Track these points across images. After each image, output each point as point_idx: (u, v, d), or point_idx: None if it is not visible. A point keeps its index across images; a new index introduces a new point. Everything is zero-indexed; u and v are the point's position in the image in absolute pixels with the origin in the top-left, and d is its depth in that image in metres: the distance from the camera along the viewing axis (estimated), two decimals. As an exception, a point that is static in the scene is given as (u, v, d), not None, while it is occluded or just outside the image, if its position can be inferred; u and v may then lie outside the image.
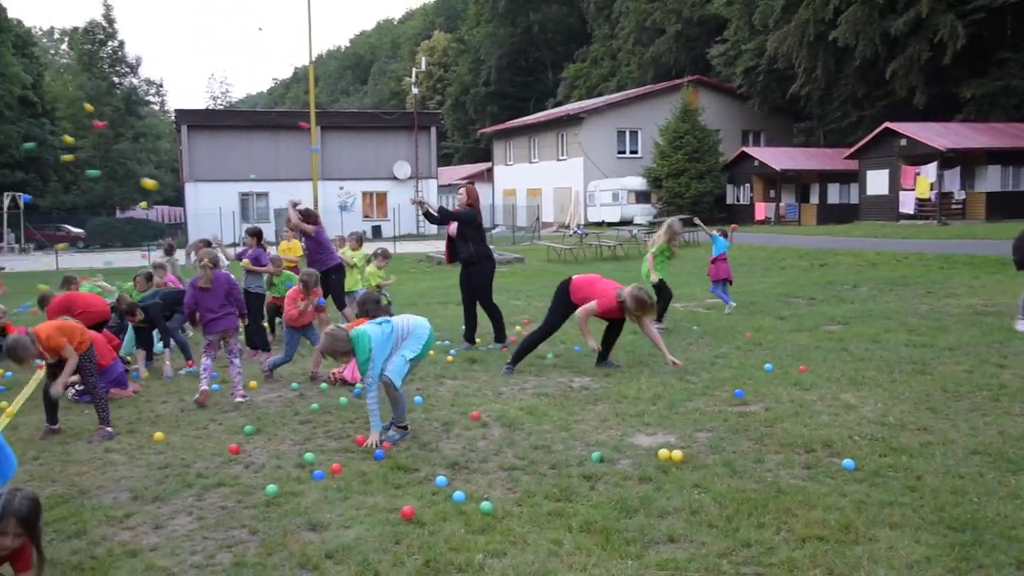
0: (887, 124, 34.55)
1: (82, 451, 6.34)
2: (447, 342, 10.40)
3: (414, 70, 59.04)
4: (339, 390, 8.19)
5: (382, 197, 45.46)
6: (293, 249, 12.21)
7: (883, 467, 5.25)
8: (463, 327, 10.53)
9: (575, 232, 32.36)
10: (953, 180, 33.28)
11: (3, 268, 13.21)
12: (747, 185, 41.93)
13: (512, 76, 73.84)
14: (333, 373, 8.57)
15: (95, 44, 63.79)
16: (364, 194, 45.24)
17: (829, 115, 42.73)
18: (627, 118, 46.25)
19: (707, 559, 4.06)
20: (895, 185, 34.75)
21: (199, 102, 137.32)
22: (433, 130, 46.95)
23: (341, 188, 44.08)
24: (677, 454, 5.53)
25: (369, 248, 13.08)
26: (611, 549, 4.21)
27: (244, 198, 42.78)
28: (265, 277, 10.79)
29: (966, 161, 33.08)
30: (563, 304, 8.75)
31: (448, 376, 8.60)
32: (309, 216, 10.98)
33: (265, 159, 42.73)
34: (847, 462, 5.28)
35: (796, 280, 17.33)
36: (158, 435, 6.56)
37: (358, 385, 7.98)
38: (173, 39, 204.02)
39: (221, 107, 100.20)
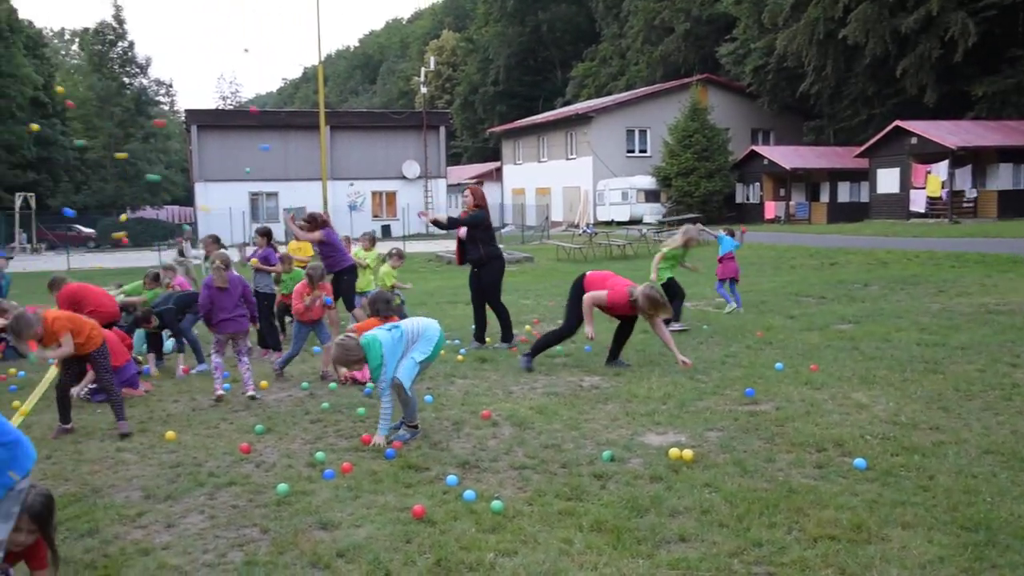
0: (897, 122, 34.40)
1: (94, 450, 6.37)
2: (457, 341, 10.41)
3: (423, 70, 59.06)
4: (351, 391, 8.20)
5: (391, 197, 45.51)
6: (304, 249, 12.19)
7: (895, 466, 5.23)
8: (473, 327, 10.54)
9: (584, 231, 32.33)
10: (964, 178, 33.12)
11: (12, 257, 13.25)
12: (757, 184, 41.82)
13: (521, 75, 73.80)
14: (344, 374, 8.58)
15: (105, 45, 63.96)
16: (373, 194, 45.29)
17: (839, 113, 42.58)
18: (636, 117, 46.18)
19: (718, 558, 4.05)
20: (906, 183, 34.61)
21: (209, 102, 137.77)
22: (442, 129, 46.96)
23: (351, 185, 44.12)
24: (688, 453, 5.52)
25: (383, 248, 13.07)
26: (622, 548, 4.20)
27: (254, 198, 42.88)
28: (273, 276, 10.79)
29: (977, 159, 32.93)
30: (579, 301, 8.75)
31: (458, 375, 8.60)
32: (315, 221, 10.82)
33: (274, 159, 42.78)
34: (859, 461, 5.26)
35: (806, 279, 17.28)
36: (170, 434, 6.59)
37: (368, 385, 7.99)
38: (183, 40, 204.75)
39: (231, 107, 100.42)
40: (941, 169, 32.70)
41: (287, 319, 11.34)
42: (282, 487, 5.20)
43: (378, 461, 5.77)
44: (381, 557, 4.19)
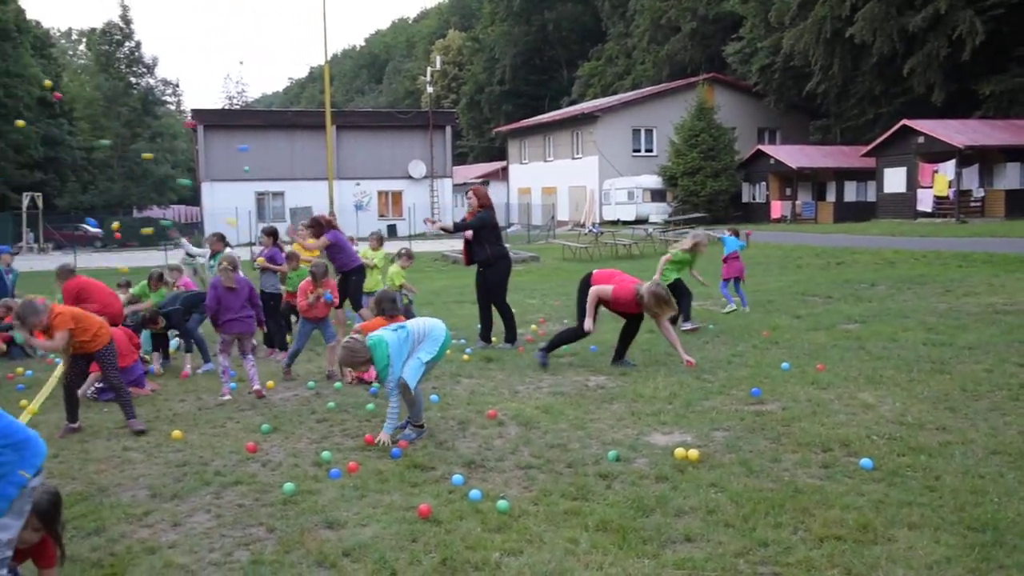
0: (905, 121, 34.32)
1: (101, 449, 6.39)
2: (463, 341, 10.41)
3: (429, 69, 59.07)
4: (356, 390, 8.21)
5: (397, 196, 45.53)
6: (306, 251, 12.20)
7: (901, 467, 5.22)
8: (479, 326, 10.54)
9: (590, 231, 32.32)
10: (972, 177, 33.03)
11: (17, 252, 13.30)
12: (763, 183, 41.75)
13: (527, 75, 73.82)
14: (349, 372, 8.58)
15: (112, 45, 64.17)
16: (379, 193, 45.32)
17: (846, 113, 42.49)
18: (642, 116, 46.15)
19: (724, 558, 4.05)
20: (913, 183, 34.53)
21: (215, 102, 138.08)
22: (448, 129, 46.98)
23: (357, 185, 44.16)
24: (693, 453, 5.51)
25: (391, 247, 13.05)
26: (627, 548, 4.20)
27: (260, 197, 42.94)
28: (279, 275, 10.78)
29: (985, 158, 32.82)
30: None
31: (464, 375, 8.60)
32: (318, 225, 10.71)
33: (281, 158, 42.87)
34: (865, 461, 5.25)
35: (813, 278, 17.25)
36: (176, 433, 6.61)
37: (374, 384, 8.00)
38: (189, 40, 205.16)
39: (237, 107, 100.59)
40: (948, 168, 32.61)
41: (293, 318, 11.34)
42: (288, 486, 5.21)
43: (384, 460, 5.78)
44: (387, 556, 4.19)
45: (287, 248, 11.45)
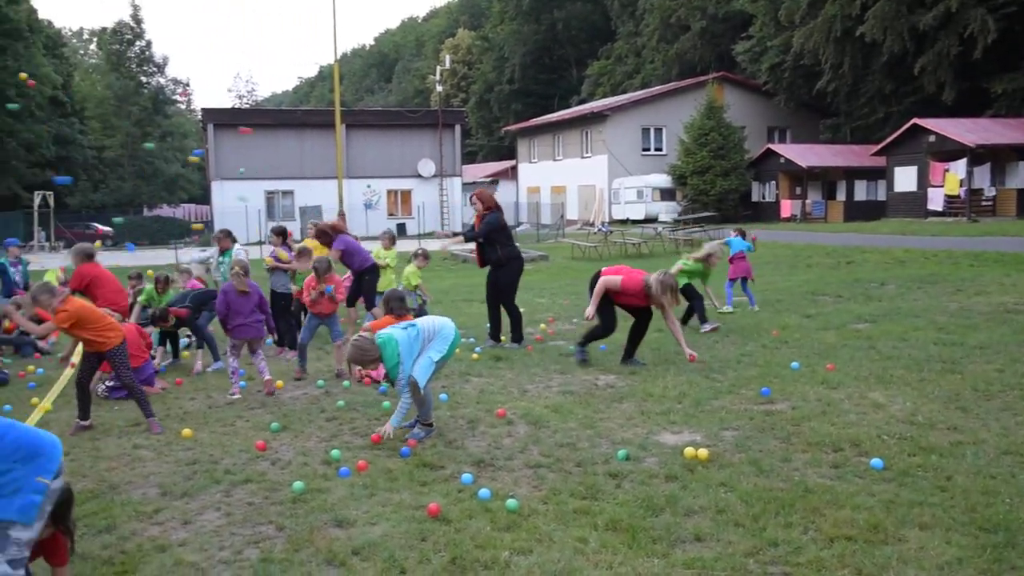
0: (915, 120, 34.17)
1: (112, 447, 6.42)
2: (472, 340, 10.42)
3: (438, 68, 59.12)
4: (366, 388, 8.21)
5: (407, 195, 45.57)
6: (319, 248, 12.19)
7: (912, 467, 5.20)
8: (488, 325, 10.54)
9: (599, 230, 32.28)
10: (983, 176, 32.86)
11: (24, 245, 13.34)
12: (773, 182, 41.63)
13: (536, 74, 73.78)
14: (359, 371, 8.58)
15: (123, 44, 64.36)
16: (389, 192, 45.37)
17: (856, 111, 42.33)
18: (652, 115, 46.07)
19: (734, 558, 4.04)
20: (923, 182, 34.38)
21: (225, 101, 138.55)
22: (457, 128, 46.98)
23: (368, 187, 44.23)
24: (703, 452, 5.50)
25: (402, 247, 13.04)
26: (637, 547, 4.19)
27: (270, 196, 43.05)
28: (289, 273, 10.78)
29: (996, 157, 32.65)
30: (603, 297, 8.77)
31: (473, 374, 8.61)
32: (325, 235, 10.61)
33: (290, 157, 42.94)
34: (875, 461, 5.23)
35: (823, 278, 17.20)
36: (186, 431, 6.63)
37: (383, 383, 8.01)
38: (199, 39, 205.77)
39: (247, 106, 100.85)
40: (959, 167, 32.47)
41: (304, 315, 11.35)
42: (298, 485, 5.22)
43: (393, 459, 5.79)
44: (396, 555, 4.20)
45: (295, 246, 11.45)
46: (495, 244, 10.14)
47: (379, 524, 4.64)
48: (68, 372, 7.61)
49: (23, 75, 19.09)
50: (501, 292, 10.24)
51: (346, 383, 8.38)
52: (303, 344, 8.99)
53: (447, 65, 63.11)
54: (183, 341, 10.42)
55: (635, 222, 40.17)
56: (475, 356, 9.42)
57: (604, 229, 31.42)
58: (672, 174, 41.92)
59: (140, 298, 10.28)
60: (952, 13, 33.21)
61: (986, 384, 7.23)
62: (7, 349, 11.06)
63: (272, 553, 4.32)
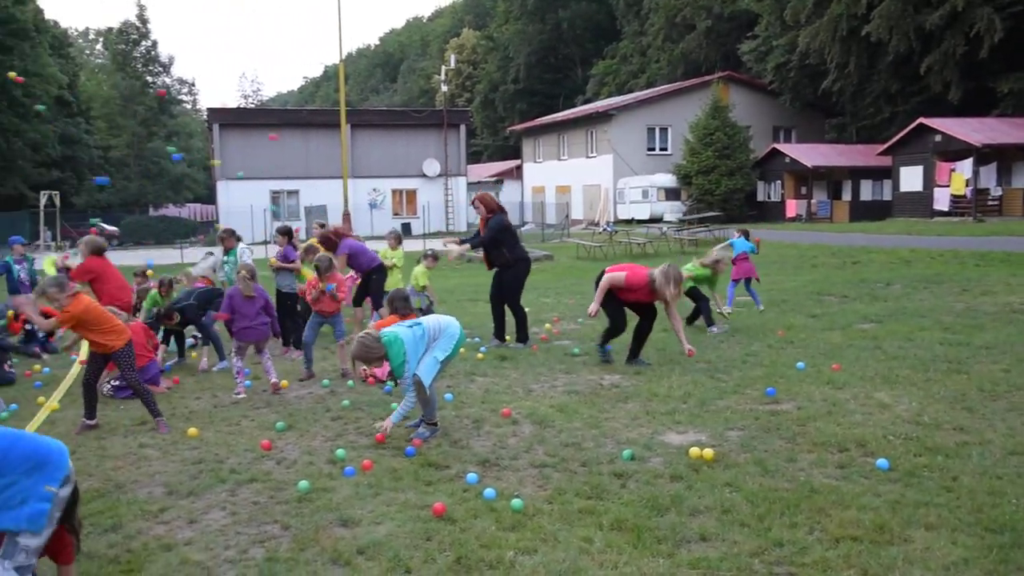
0: (921, 120, 34.08)
1: (118, 446, 6.43)
2: (477, 339, 10.42)
3: (443, 68, 59.10)
4: (371, 388, 8.22)
5: (412, 195, 45.57)
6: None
7: (918, 467, 5.19)
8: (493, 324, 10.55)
9: (604, 229, 32.26)
10: (989, 176, 32.78)
11: (28, 243, 13.40)
12: (778, 182, 41.56)
13: (541, 73, 73.75)
14: (364, 370, 8.59)
15: (129, 44, 64.49)
16: (394, 192, 45.39)
17: (862, 111, 42.24)
18: (657, 115, 46.02)
19: (739, 558, 4.03)
20: (929, 181, 34.30)
21: (230, 101, 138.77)
22: (462, 128, 46.97)
23: (375, 190, 44.27)
24: (708, 452, 5.50)
25: (408, 246, 13.03)
26: (642, 547, 4.19)
27: (275, 196, 43.09)
28: (295, 273, 10.79)
29: (1002, 157, 32.57)
30: (607, 293, 8.77)
31: (479, 373, 8.61)
32: (329, 241, 10.62)
33: (295, 157, 42.97)
34: (881, 462, 5.22)
35: (828, 278, 17.17)
36: (192, 431, 6.64)
37: (388, 383, 8.01)
38: (205, 38, 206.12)
39: (252, 106, 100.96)
40: (965, 167, 32.39)
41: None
42: (303, 484, 5.23)
43: (398, 459, 5.79)
44: (401, 554, 4.20)
45: (301, 245, 11.45)
46: (501, 246, 10.14)
47: (384, 523, 4.64)
48: (75, 371, 7.62)
49: (11, 74, 19.14)
50: (507, 292, 10.23)
51: (350, 383, 8.39)
52: (307, 343, 8.98)
53: (452, 65, 63.11)
54: (188, 341, 10.43)
55: (640, 222, 40.14)
56: (480, 356, 9.42)
57: (609, 229, 31.41)
58: (677, 174, 41.88)
59: (144, 303, 10.28)
60: (958, 12, 33.12)
61: (992, 384, 7.21)
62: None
63: (277, 552, 4.33)
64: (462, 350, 8.18)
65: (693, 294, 10.74)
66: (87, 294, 7.33)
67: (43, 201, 43.00)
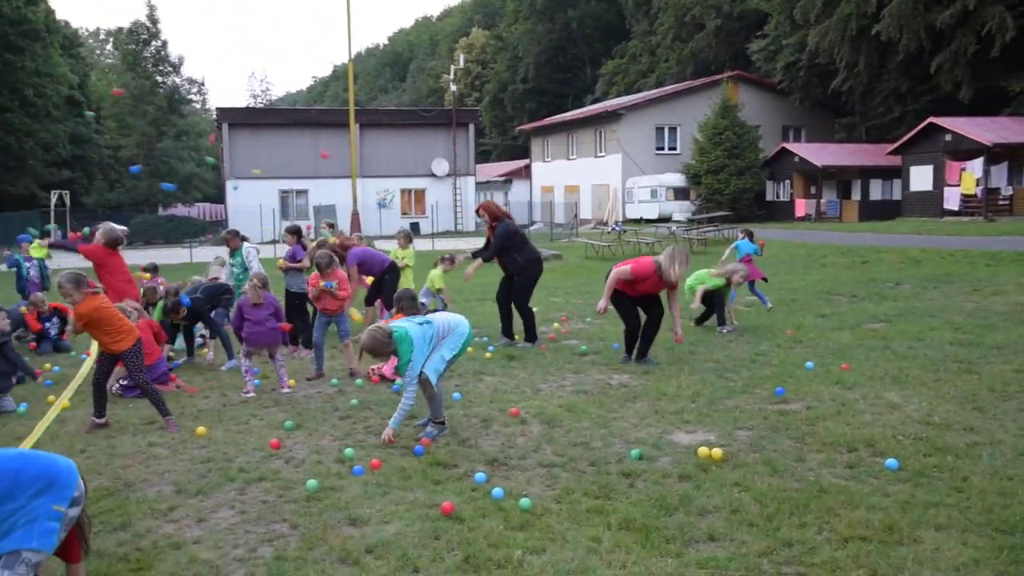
0: (932, 119, 33.92)
1: (127, 445, 6.45)
2: (485, 339, 10.42)
3: (452, 67, 59.12)
4: (379, 387, 8.23)
5: (420, 194, 45.61)
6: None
7: (928, 467, 5.17)
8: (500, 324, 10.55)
9: (613, 229, 32.21)
10: (1000, 175, 32.63)
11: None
12: (787, 181, 41.45)
13: (550, 73, 73.71)
14: (373, 369, 8.61)
15: (139, 44, 64.64)
16: (402, 191, 45.44)
17: (871, 110, 42.06)
18: (666, 114, 45.95)
19: (748, 558, 4.03)
20: (939, 181, 34.14)
21: (239, 100, 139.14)
22: (471, 127, 46.97)
23: (385, 190, 44.32)
24: (717, 452, 5.49)
25: (418, 245, 13.02)
26: (650, 547, 4.19)
27: (284, 195, 43.18)
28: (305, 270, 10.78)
29: (1014, 156, 32.40)
30: (618, 295, 8.77)
31: (487, 373, 8.61)
32: (335, 253, 10.61)
33: (305, 157, 43.05)
34: (891, 462, 5.21)
35: (837, 277, 17.12)
36: (200, 430, 6.66)
37: (397, 382, 8.02)
38: (214, 38, 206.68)
39: (261, 105, 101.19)
40: (976, 166, 32.23)
41: None
42: (311, 483, 5.23)
43: (407, 458, 5.80)
44: (409, 553, 4.21)
45: (310, 244, 11.47)
46: (512, 251, 10.16)
47: (392, 522, 4.65)
48: (85, 369, 7.64)
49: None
50: (516, 294, 10.24)
51: (359, 382, 8.40)
52: (317, 343, 8.99)
53: (461, 64, 63.12)
54: (198, 341, 10.45)
55: (649, 221, 40.09)
56: (488, 355, 9.42)
57: (618, 228, 31.34)
58: (686, 173, 41.80)
59: (154, 315, 10.28)
60: (969, 11, 32.94)
61: (1003, 385, 7.18)
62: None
63: (286, 551, 4.33)
64: (470, 349, 8.17)
65: (707, 297, 10.74)
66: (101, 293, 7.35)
67: (53, 200, 43.19)
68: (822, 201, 39.72)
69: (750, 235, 13.00)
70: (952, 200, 33.29)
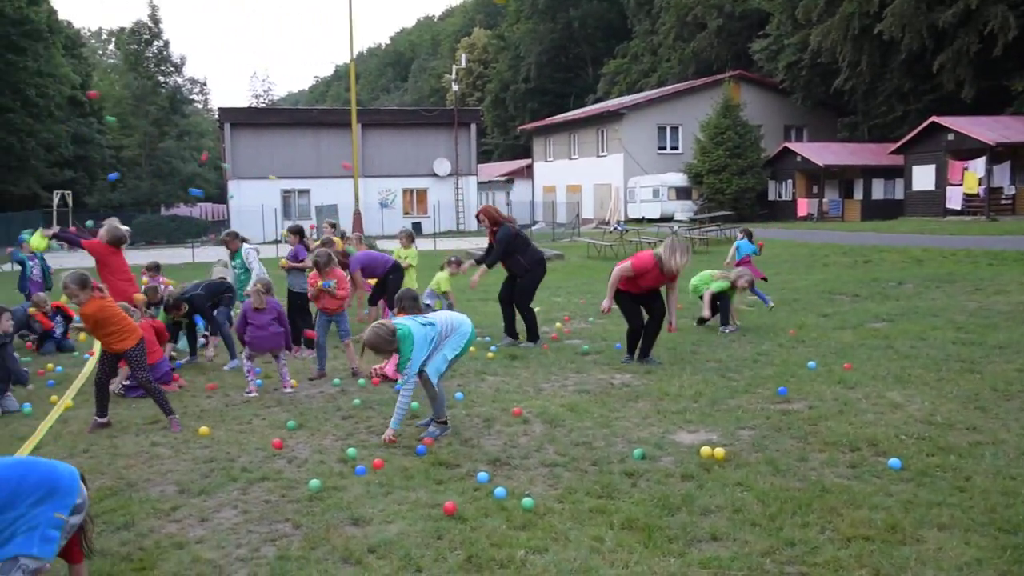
0: (934, 118, 33.90)
1: (130, 445, 6.46)
2: (488, 339, 10.42)
3: (454, 67, 59.12)
4: (382, 387, 8.23)
5: (422, 194, 45.62)
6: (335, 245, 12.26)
7: (931, 467, 5.17)
8: (503, 324, 10.56)
9: (615, 228, 32.21)
10: (1003, 175, 32.60)
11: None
12: (789, 181, 41.45)
13: (552, 72, 73.72)
14: (375, 369, 8.60)
15: (141, 44, 64.72)
16: (404, 191, 45.45)
17: (874, 110, 42.05)
18: (668, 114, 45.95)
19: (750, 558, 4.02)
20: (942, 180, 34.13)
21: (241, 100, 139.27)
22: (473, 127, 46.97)
23: (388, 190, 44.34)
24: (719, 452, 5.49)
25: (419, 244, 13.03)
26: (653, 547, 4.19)
27: (286, 195, 43.19)
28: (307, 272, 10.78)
29: (1016, 155, 32.39)
30: (621, 294, 8.77)
31: (489, 372, 8.61)
32: (338, 262, 10.65)
33: (307, 156, 43.07)
34: (893, 461, 5.20)
35: (840, 277, 17.10)
36: (203, 429, 6.66)
37: (399, 381, 8.01)
38: (216, 38, 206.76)
39: (263, 105, 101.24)
40: (979, 165, 32.21)
41: None
42: (314, 483, 5.24)
43: (409, 458, 5.80)
44: (412, 553, 4.21)
45: (312, 244, 11.48)
46: (515, 254, 10.17)
47: (395, 522, 4.65)
48: (87, 369, 7.65)
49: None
50: (519, 295, 10.25)
51: (361, 381, 8.40)
52: (320, 343, 8.99)
53: (463, 64, 63.09)
54: (200, 341, 10.45)
55: (651, 221, 40.09)
56: (491, 355, 9.42)
57: (620, 228, 31.34)
58: (688, 173, 41.81)
59: (158, 316, 10.29)
60: (972, 10, 32.93)
61: (1006, 384, 7.17)
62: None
63: (289, 551, 4.34)
64: (472, 348, 8.17)
65: (712, 297, 10.77)
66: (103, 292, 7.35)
67: (56, 200, 43.24)
68: (824, 201, 39.72)
69: (749, 235, 13.02)
70: (954, 199, 33.27)
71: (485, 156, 70.87)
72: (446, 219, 44.27)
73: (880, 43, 37.24)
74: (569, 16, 71.15)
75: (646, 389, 7.59)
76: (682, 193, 42.12)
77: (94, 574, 4.09)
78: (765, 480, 5.05)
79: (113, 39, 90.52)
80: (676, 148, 45.76)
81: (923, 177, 35.38)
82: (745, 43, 50.04)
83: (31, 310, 11.11)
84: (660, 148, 45.91)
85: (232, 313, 10.45)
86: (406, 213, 44.90)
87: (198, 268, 21.19)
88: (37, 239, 9.66)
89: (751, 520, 4.46)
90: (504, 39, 79.23)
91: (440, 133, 45.90)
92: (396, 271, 11.21)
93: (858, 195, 39.66)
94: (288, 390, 8.10)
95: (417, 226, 42.39)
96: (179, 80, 69.51)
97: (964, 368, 7.88)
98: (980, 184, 32.19)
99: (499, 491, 4.95)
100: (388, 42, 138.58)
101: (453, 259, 11.72)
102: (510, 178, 57.49)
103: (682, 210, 40.86)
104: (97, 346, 7.29)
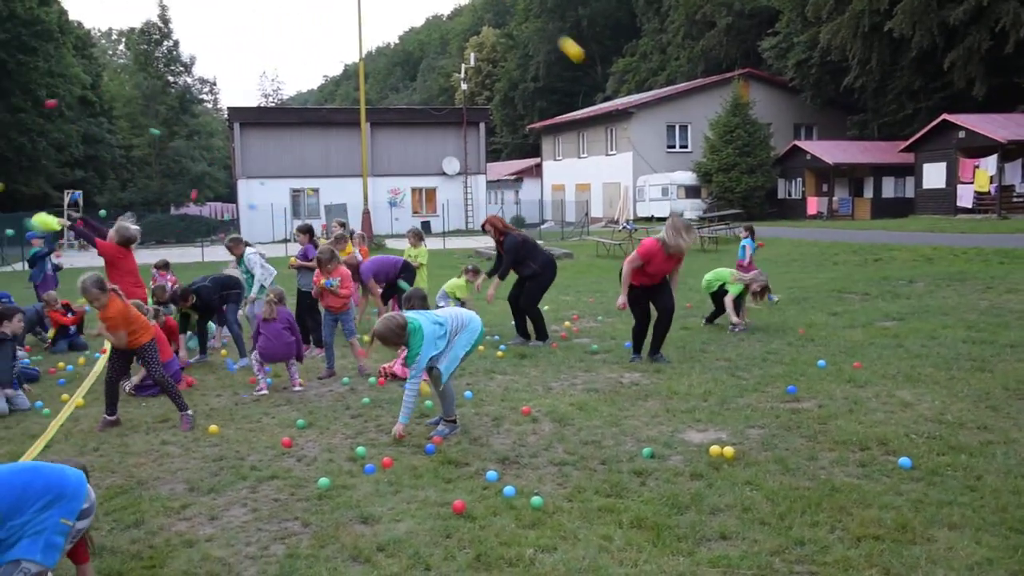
0: (945, 116, 33.72)
1: (140, 443, 6.48)
2: (497, 337, 10.42)
3: (463, 66, 59.13)
4: (391, 385, 8.23)
5: (431, 193, 45.66)
6: (345, 249, 12.26)
7: (941, 466, 5.15)
8: (513, 323, 10.56)
9: (624, 227, 32.17)
10: (1014, 172, 32.41)
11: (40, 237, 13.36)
12: (799, 179, 41.31)
13: (561, 71, 73.59)
14: (383, 368, 8.61)
15: (151, 44, 65.07)
16: (413, 190, 45.49)
17: (884, 108, 41.86)
18: (677, 112, 45.85)
19: (760, 557, 4.01)
20: (952, 178, 33.95)
21: (251, 100, 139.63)
22: (482, 126, 46.97)
23: (398, 189, 44.41)
24: (729, 451, 5.48)
25: (430, 243, 13.06)
26: (662, 545, 4.18)
27: (295, 194, 43.29)
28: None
29: (1028, 153, 32.21)
30: (633, 291, 8.77)
31: (498, 371, 8.61)
32: (349, 271, 10.70)
33: (316, 155, 43.15)
34: (903, 460, 5.18)
35: (849, 275, 17.05)
36: (213, 428, 6.68)
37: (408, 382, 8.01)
38: (226, 37, 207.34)
39: (272, 104, 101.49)
40: (990, 163, 32.03)
41: None
42: (323, 481, 5.25)
43: (418, 456, 5.80)
44: (421, 551, 4.21)
45: (321, 243, 11.48)
46: (525, 261, 10.20)
47: (404, 521, 4.65)
48: (98, 368, 7.68)
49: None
50: (526, 296, 10.25)
51: (371, 379, 8.41)
52: (327, 342, 9.00)
53: (472, 63, 63.14)
54: (211, 343, 10.47)
55: (660, 219, 40.00)
56: (500, 354, 9.43)
57: (629, 227, 31.30)
58: (697, 171, 41.73)
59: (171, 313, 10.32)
60: (983, 7, 32.74)
61: (1017, 383, 7.14)
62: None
63: (298, 549, 4.35)
64: (481, 347, 8.19)
65: (718, 295, 10.73)
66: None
67: (66, 200, 43.43)
68: (834, 199, 39.58)
69: (751, 231, 13.03)
70: (965, 197, 33.10)
71: (494, 155, 70.86)
72: (455, 218, 44.29)
73: (890, 41, 37.07)
74: (578, 15, 71.03)
75: (655, 388, 7.58)
76: (691, 192, 42.04)
77: (104, 572, 4.11)
78: (774, 479, 5.04)
79: (123, 39, 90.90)
80: (685, 147, 45.67)
81: (934, 175, 35.21)
82: (754, 41, 49.89)
83: (47, 311, 11.19)
84: (669, 146, 45.81)
85: (240, 312, 10.48)
86: (415, 212, 44.95)
87: (207, 267, 21.24)
88: (43, 217, 9.49)
89: (760, 519, 4.45)
90: (513, 38, 79.18)
91: (449, 132, 45.92)
92: (407, 271, 11.31)
93: (868, 193, 39.50)
94: (297, 388, 8.13)
95: (426, 225, 42.41)
96: (189, 80, 69.83)
97: (975, 367, 7.84)
98: (991, 182, 32.00)
99: (508, 490, 4.95)
100: (397, 41, 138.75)
101: (471, 267, 11.73)
102: (519, 177, 57.48)
103: (691, 209, 40.77)
104: (108, 345, 7.31)
